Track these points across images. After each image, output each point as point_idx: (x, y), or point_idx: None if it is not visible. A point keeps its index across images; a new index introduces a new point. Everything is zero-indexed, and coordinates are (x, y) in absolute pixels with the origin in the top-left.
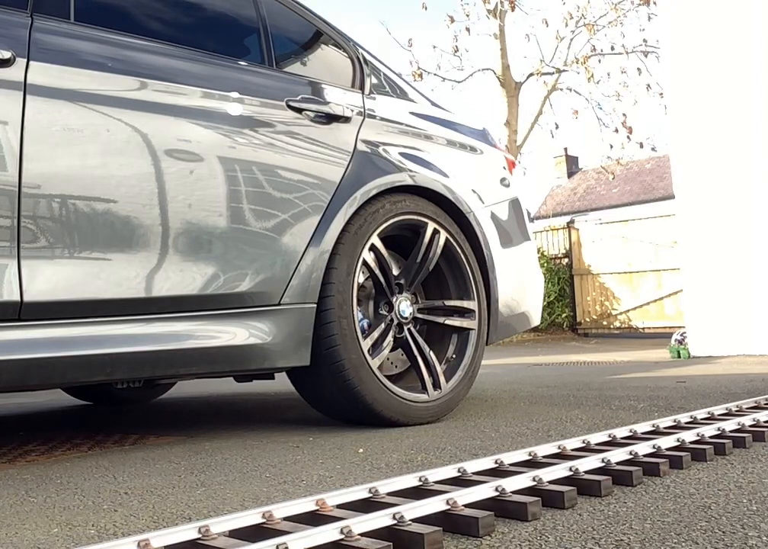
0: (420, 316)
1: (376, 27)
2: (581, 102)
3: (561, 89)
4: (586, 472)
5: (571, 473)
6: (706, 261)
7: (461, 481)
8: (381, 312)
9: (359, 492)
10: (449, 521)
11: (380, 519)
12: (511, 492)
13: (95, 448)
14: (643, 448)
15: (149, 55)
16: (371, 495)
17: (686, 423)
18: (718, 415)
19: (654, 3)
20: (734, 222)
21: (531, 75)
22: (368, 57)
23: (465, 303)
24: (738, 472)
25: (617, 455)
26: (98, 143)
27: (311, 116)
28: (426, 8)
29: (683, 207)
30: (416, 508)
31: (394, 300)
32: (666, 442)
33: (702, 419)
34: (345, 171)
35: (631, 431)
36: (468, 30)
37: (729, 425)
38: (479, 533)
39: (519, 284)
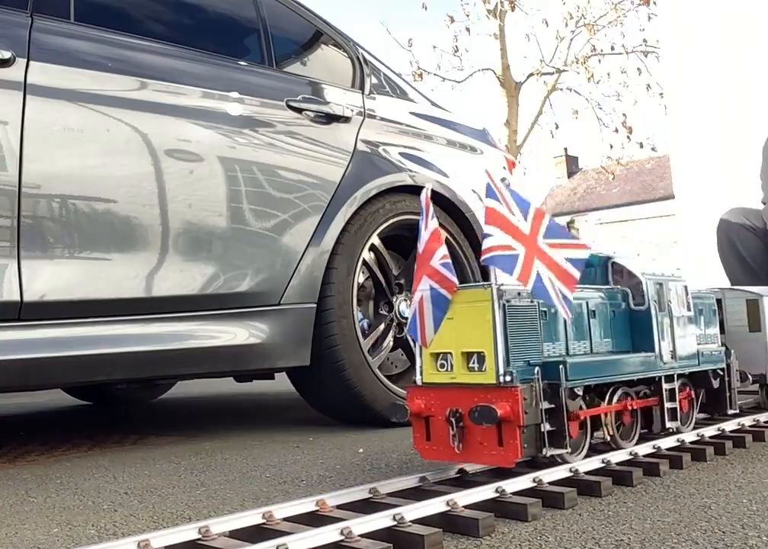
0: None
1: (376, 27)
2: (581, 102)
3: (561, 89)
4: (586, 472)
5: (571, 473)
6: (706, 261)
7: (461, 482)
8: (381, 312)
9: (359, 493)
10: (449, 522)
11: (380, 520)
12: (511, 493)
13: (95, 448)
14: (643, 448)
15: (149, 55)
16: (371, 495)
17: None
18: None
19: (654, 3)
20: None
21: (531, 75)
22: (368, 57)
23: None
24: (738, 472)
25: (617, 455)
26: (98, 143)
27: (311, 116)
28: (426, 8)
29: (683, 207)
30: (416, 509)
31: (394, 300)
32: (666, 442)
33: (701, 419)
34: (345, 171)
35: None
36: (468, 30)
37: (729, 425)
38: (479, 534)
39: None
